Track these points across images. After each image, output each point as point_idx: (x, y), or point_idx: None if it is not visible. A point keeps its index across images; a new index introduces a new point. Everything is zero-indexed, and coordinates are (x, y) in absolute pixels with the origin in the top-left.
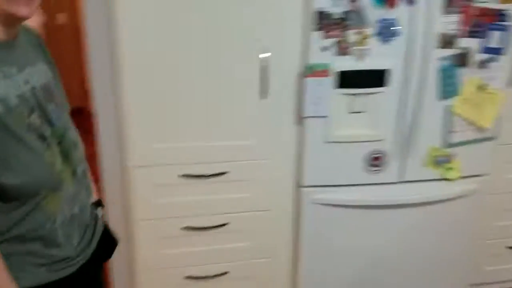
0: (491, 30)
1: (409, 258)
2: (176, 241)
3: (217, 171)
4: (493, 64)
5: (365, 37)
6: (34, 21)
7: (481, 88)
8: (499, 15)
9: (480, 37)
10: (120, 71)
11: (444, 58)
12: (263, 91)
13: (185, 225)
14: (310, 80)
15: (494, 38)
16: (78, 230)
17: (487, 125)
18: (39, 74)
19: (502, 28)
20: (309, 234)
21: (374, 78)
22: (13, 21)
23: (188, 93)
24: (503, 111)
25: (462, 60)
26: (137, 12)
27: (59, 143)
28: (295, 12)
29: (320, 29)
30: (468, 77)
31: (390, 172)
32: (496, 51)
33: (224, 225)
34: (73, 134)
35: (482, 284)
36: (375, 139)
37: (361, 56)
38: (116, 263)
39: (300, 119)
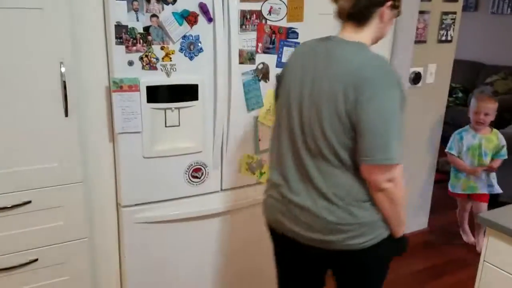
0: (284, 46)
1: (235, 264)
2: None
3: (19, 201)
4: None
5: (169, 53)
6: None
7: None
8: (289, 32)
9: (275, 53)
10: None
11: (246, 73)
12: (66, 109)
13: None
14: (118, 95)
15: (287, 54)
16: None
17: None
18: None
19: (292, 44)
20: (134, 256)
21: (185, 93)
22: None
23: None
24: None
25: (262, 74)
26: None
27: None
28: (93, 24)
29: (122, 43)
30: (268, 90)
31: (210, 182)
32: None
33: (32, 262)
34: None
35: None
36: (194, 151)
37: (168, 71)
38: None
39: (113, 135)
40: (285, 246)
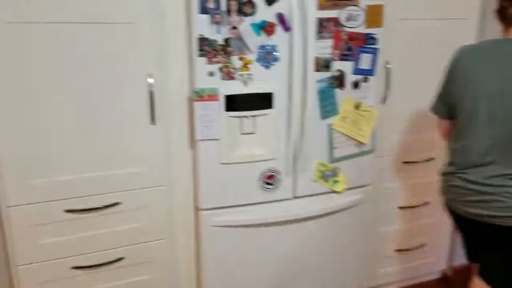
0: (361, 53)
1: (309, 269)
2: (65, 284)
3: (108, 203)
4: (365, 84)
5: (247, 63)
6: None
7: (357, 106)
8: (367, 38)
9: (352, 60)
10: None
11: (322, 81)
12: (153, 117)
13: (74, 264)
14: (199, 104)
15: (364, 60)
16: None
17: (365, 140)
18: None
19: (370, 51)
20: (210, 258)
21: (260, 101)
22: None
23: (73, 123)
24: (377, 126)
25: (337, 81)
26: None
27: None
28: (178, 38)
29: (204, 55)
30: (344, 97)
31: (283, 189)
32: (367, 72)
33: (119, 260)
34: None
35: (377, 286)
36: (267, 158)
37: (245, 80)
38: None
39: (194, 142)
40: (467, 224)
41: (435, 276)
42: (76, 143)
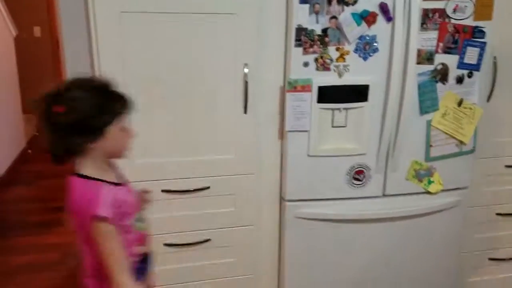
0: (467, 46)
1: (393, 271)
2: (158, 259)
3: (199, 186)
4: (470, 80)
5: (344, 53)
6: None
7: (460, 103)
8: (474, 31)
9: (457, 53)
10: None
11: (423, 74)
12: (246, 106)
13: (167, 241)
14: (291, 95)
15: (470, 54)
16: None
17: (466, 140)
18: None
19: (478, 45)
20: (293, 249)
21: (355, 93)
22: None
23: (172, 108)
24: (480, 125)
25: (440, 75)
26: (118, 27)
27: None
28: (276, 28)
29: (300, 45)
30: (446, 92)
31: (372, 186)
32: (472, 67)
33: (206, 241)
34: None
35: None
36: (357, 153)
37: (341, 71)
38: None
39: (283, 133)
40: None
41: None
42: (174, 128)
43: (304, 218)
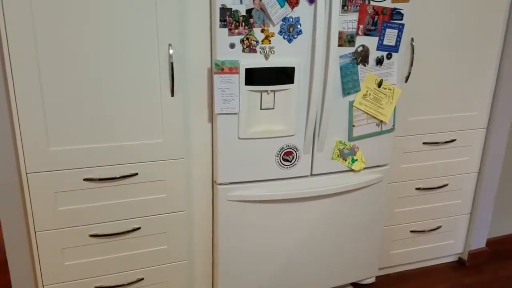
0: (386, 28)
1: (323, 247)
2: (83, 251)
3: (126, 173)
4: (389, 61)
5: (269, 35)
6: None
7: (380, 84)
8: (393, 13)
9: (376, 35)
10: (9, 73)
11: (345, 56)
12: (173, 89)
13: (93, 232)
14: (219, 77)
15: (389, 36)
16: None
17: (386, 119)
18: None
19: (396, 26)
20: (226, 232)
21: (281, 76)
22: None
23: (92, 93)
24: (399, 105)
25: (361, 57)
26: (26, 11)
27: None
28: (200, 9)
29: (225, 26)
30: (367, 74)
31: (301, 166)
32: (391, 49)
33: (136, 229)
34: None
35: (391, 267)
36: (286, 135)
37: (267, 54)
38: (16, 280)
39: (213, 116)
40: None
41: (450, 259)
42: (96, 112)
43: (236, 201)
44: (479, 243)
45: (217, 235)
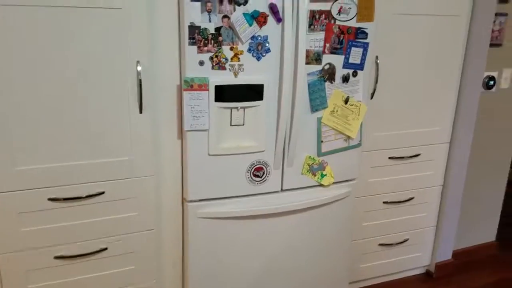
0: (352, 47)
1: (294, 262)
2: (48, 273)
3: (93, 192)
4: (355, 79)
5: (238, 53)
6: None
7: (346, 100)
8: (358, 32)
9: (342, 54)
10: None
11: (312, 74)
12: (141, 105)
13: (58, 254)
14: (189, 94)
15: (355, 54)
16: None
17: (353, 135)
18: None
19: (361, 45)
20: (196, 251)
21: (251, 92)
22: None
23: (58, 111)
24: (365, 120)
25: (328, 75)
26: None
27: None
28: (169, 26)
29: (194, 43)
30: (334, 91)
31: (271, 181)
32: (357, 66)
33: (103, 250)
34: None
35: (360, 281)
36: (256, 151)
37: (236, 71)
38: None
39: (182, 133)
40: None
41: (418, 271)
42: (62, 130)
43: (207, 218)
44: (446, 255)
45: (188, 253)
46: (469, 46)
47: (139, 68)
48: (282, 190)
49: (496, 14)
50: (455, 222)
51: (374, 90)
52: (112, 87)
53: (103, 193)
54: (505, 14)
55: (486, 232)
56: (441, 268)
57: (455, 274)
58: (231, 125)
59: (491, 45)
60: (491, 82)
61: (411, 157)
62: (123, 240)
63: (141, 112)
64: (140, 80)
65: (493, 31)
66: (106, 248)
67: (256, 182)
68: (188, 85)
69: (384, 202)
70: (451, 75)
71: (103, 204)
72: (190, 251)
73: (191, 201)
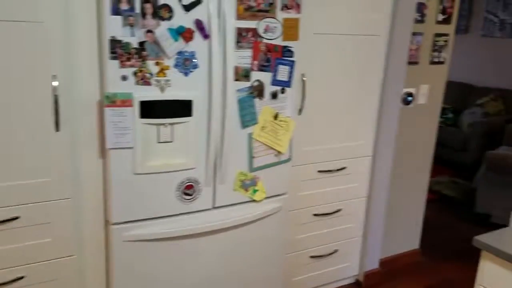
0: (279, 65)
1: (228, 280)
2: None
3: (5, 217)
4: (283, 95)
5: (164, 68)
6: None
7: (276, 116)
8: (284, 51)
9: (270, 71)
10: None
11: (241, 90)
12: (57, 123)
13: None
14: (111, 110)
15: (282, 72)
16: None
17: (283, 150)
18: None
19: (287, 63)
20: (122, 276)
21: (179, 108)
22: None
23: None
24: (294, 136)
25: (257, 91)
26: None
27: None
28: (89, 39)
29: (116, 58)
30: (264, 107)
31: (202, 199)
32: (284, 84)
33: (19, 279)
34: None
35: None
36: (186, 168)
37: (162, 86)
38: None
39: (104, 151)
40: None
41: (349, 281)
42: None
43: (134, 241)
44: (373, 264)
45: (113, 280)
46: (389, 64)
47: (55, 83)
48: (214, 207)
49: (414, 34)
50: (380, 232)
51: (302, 106)
52: (26, 103)
53: (17, 217)
54: (421, 34)
55: (410, 240)
56: (369, 277)
57: (383, 282)
58: (158, 142)
59: (409, 63)
60: (409, 98)
61: (338, 170)
62: (42, 268)
63: (57, 130)
64: (56, 96)
65: (410, 49)
66: (23, 277)
67: (187, 201)
68: (110, 100)
69: (314, 215)
70: (372, 92)
71: (18, 229)
72: (116, 277)
73: (115, 224)
